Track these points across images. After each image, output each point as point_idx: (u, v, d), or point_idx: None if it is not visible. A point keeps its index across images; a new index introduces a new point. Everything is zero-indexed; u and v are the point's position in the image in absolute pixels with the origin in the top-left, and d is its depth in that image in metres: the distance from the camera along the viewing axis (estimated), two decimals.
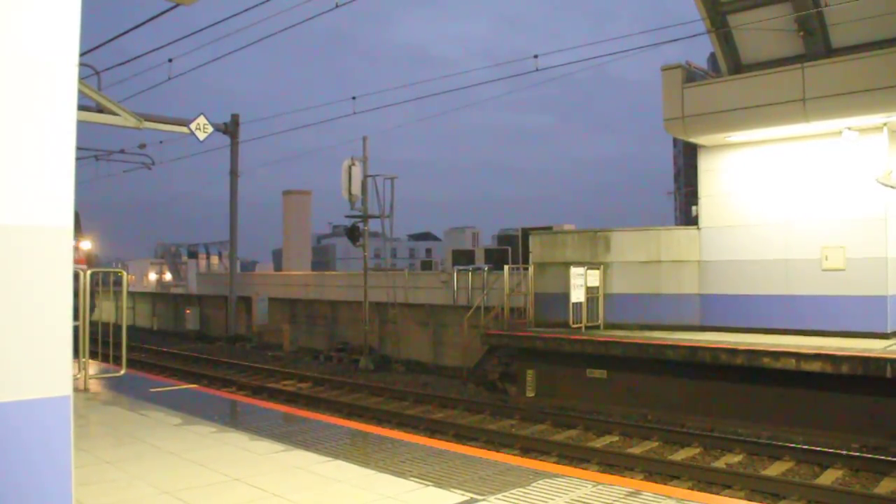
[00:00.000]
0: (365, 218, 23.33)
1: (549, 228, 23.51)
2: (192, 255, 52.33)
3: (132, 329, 34.73)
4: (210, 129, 20.93)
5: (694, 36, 17.31)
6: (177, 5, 8.53)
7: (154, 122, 19.15)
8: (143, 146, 26.22)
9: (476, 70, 20.72)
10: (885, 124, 15.08)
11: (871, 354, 12.17)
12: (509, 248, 30.74)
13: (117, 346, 12.30)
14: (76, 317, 10.07)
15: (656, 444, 12.14)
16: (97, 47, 15.97)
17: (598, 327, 17.86)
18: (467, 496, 5.85)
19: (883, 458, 10.48)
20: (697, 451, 11.57)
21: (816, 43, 16.34)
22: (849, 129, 15.19)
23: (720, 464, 10.82)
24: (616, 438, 12.58)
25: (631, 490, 6.01)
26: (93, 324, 11.72)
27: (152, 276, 54.44)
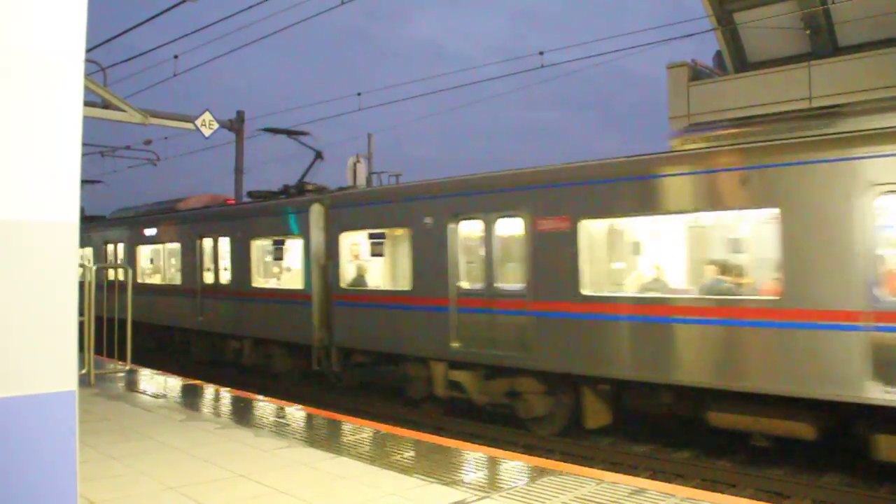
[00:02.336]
0: None
1: None
2: None
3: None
4: (215, 125, 20.93)
5: (698, 33, 17.23)
6: (183, 1, 8.54)
7: (159, 118, 19.16)
8: (148, 142, 26.21)
9: (486, 66, 20.68)
10: None
11: None
12: None
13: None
14: (81, 312, 10.10)
15: (661, 442, 12.10)
16: (103, 43, 15.98)
17: None
18: (471, 493, 5.85)
19: None
20: (702, 449, 11.53)
21: (823, 41, 16.28)
22: None
23: (725, 462, 10.79)
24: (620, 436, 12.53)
25: (635, 488, 6.00)
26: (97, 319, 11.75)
27: None
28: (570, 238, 10.10)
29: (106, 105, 15.68)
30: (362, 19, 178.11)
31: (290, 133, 16.98)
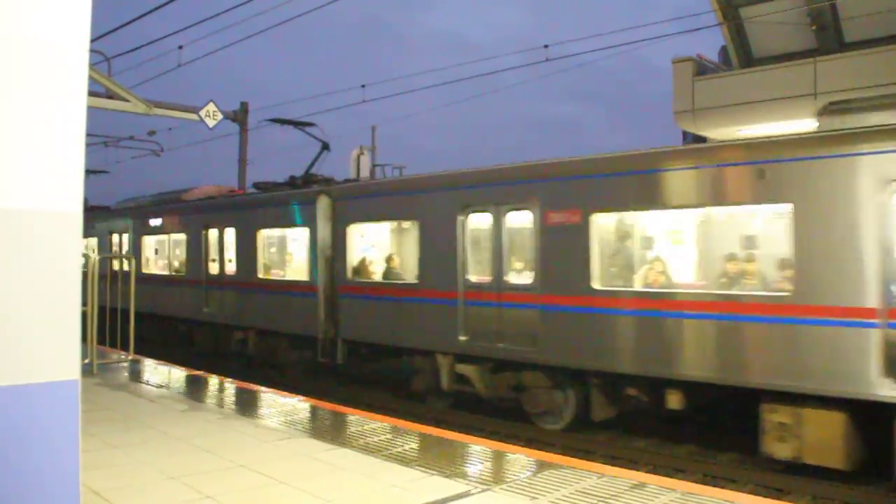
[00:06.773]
0: None
1: None
2: None
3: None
4: (220, 116, 20.91)
5: (704, 28, 17.13)
6: None
7: (163, 108, 19.15)
8: (152, 133, 26.18)
9: (498, 57, 20.44)
10: None
11: None
12: None
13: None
14: (84, 301, 10.10)
15: (662, 437, 12.10)
16: (107, 33, 15.94)
17: None
18: (472, 485, 5.86)
19: None
20: (703, 444, 11.54)
21: (829, 37, 16.21)
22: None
23: (725, 457, 10.79)
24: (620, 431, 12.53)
25: (636, 482, 6.01)
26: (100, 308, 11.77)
27: None
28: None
29: (110, 95, 15.67)
30: (382, 7, 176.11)
31: (296, 124, 16.93)
